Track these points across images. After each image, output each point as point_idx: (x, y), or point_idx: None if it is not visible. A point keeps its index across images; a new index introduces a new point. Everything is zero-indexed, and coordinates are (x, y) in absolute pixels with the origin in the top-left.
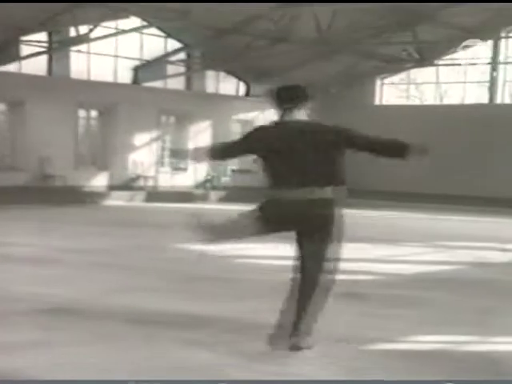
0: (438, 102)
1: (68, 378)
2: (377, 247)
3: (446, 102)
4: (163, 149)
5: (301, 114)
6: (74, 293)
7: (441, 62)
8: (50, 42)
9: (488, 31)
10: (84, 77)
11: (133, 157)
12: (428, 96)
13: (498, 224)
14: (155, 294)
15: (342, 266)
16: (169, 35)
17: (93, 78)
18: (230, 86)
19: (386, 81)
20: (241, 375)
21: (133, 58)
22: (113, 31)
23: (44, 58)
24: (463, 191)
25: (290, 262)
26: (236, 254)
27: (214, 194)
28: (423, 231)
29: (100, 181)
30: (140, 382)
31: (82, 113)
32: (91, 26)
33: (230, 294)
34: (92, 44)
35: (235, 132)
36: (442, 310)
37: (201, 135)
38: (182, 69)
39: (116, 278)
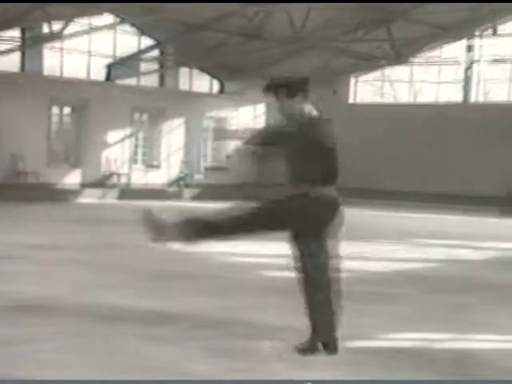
0: (411, 101)
1: (29, 374)
2: (350, 245)
3: (420, 100)
4: (136, 146)
5: (307, 106)
6: (43, 290)
7: (415, 60)
8: (22, 38)
9: (463, 30)
10: (57, 74)
11: (106, 154)
12: (402, 94)
13: (469, 222)
14: (125, 291)
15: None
16: (142, 32)
17: (66, 74)
18: (203, 83)
19: (361, 79)
20: (208, 372)
21: (106, 56)
22: (86, 28)
23: (17, 55)
24: (435, 189)
25: (264, 260)
26: (210, 252)
27: (187, 192)
28: (397, 229)
29: (73, 178)
30: (139, 382)
31: (55, 110)
32: (64, 23)
33: (201, 292)
34: (65, 41)
35: (208, 129)
36: (415, 307)
37: (174, 132)
38: (155, 66)
39: (86, 275)
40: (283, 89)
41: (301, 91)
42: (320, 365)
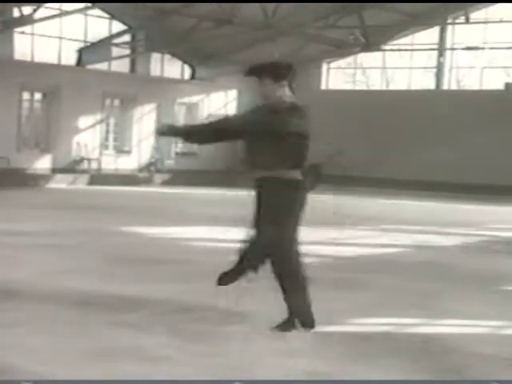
0: (384, 87)
1: None
2: (321, 230)
3: (393, 87)
4: (107, 131)
5: (285, 92)
6: (12, 274)
7: (387, 47)
8: None
9: (434, 18)
10: (28, 58)
11: (77, 139)
12: (374, 81)
13: (439, 208)
14: (95, 276)
15: None
16: (113, 17)
17: (37, 59)
18: (174, 68)
19: (333, 65)
20: (177, 356)
21: (77, 40)
22: (57, 12)
23: None
24: (406, 176)
25: (235, 245)
26: (179, 237)
27: (157, 177)
28: (367, 215)
29: (43, 163)
30: (139, 382)
31: (25, 95)
32: (35, 7)
33: (170, 277)
34: (36, 25)
35: (180, 115)
36: (385, 293)
37: (145, 118)
38: (126, 51)
39: (55, 261)
40: (269, 73)
41: (286, 77)
42: (288, 350)
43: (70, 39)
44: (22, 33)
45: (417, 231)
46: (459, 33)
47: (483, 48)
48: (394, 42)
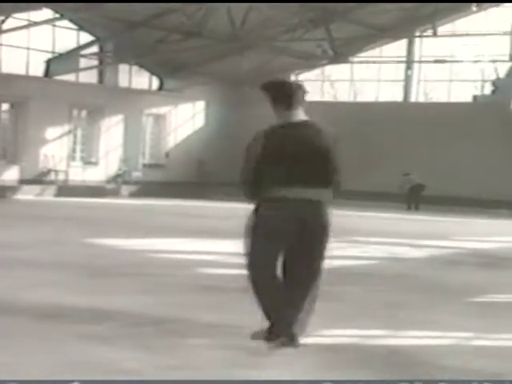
0: (352, 99)
1: None
2: None
3: (360, 99)
4: (75, 143)
5: (301, 113)
6: None
7: (355, 60)
8: None
9: (401, 31)
10: None
11: (44, 151)
12: (342, 93)
13: (407, 220)
14: (61, 288)
15: None
16: (81, 28)
17: (4, 70)
18: (142, 80)
19: (301, 77)
20: (142, 369)
21: (45, 51)
22: (25, 23)
23: None
24: (373, 188)
25: (202, 257)
26: (148, 249)
27: (125, 189)
28: (335, 226)
29: (11, 175)
30: (141, 382)
31: None
32: (3, 18)
33: (137, 289)
34: (4, 36)
35: (147, 126)
36: (352, 304)
37: (113, 129)
38: (94, 62)
39: (21, 273)
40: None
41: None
42: (258, 363)
43: (38, 50)
44: None
45: (386, 243)
46: (427, 46)
47: (451, 61)
48: (362, 55)
